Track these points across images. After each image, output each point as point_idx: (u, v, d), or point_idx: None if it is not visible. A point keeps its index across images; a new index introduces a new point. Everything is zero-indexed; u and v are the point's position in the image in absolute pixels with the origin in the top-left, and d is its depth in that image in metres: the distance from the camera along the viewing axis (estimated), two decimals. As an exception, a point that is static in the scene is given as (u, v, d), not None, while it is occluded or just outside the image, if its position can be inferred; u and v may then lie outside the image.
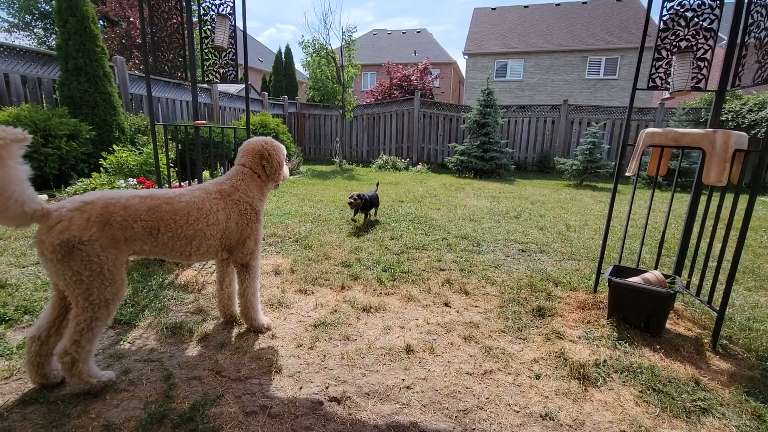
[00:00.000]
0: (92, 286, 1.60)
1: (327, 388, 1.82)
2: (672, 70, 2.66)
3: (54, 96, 6.41)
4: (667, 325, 2.52)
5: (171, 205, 1.83)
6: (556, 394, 1.85)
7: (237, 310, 2.36)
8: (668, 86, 2.70)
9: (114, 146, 6.14)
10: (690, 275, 2.78)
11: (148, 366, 1.92)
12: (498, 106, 11.08)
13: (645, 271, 2.62)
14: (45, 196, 5.11)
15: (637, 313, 2.43)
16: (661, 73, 2.76)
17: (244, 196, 2.11)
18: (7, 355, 1.93)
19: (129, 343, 2.11)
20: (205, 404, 1.66)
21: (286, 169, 2.33)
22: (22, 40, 20.35)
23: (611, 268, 2.70)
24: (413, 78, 19.27)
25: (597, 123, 10.72)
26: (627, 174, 2.82)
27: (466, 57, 23.07)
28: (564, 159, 10.38)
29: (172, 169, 5.92)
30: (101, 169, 5.96)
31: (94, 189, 5.33)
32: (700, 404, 1.80)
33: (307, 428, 1.57)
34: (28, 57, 6.21)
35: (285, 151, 2.33)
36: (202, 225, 1.92)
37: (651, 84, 2.79)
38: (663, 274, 2.51)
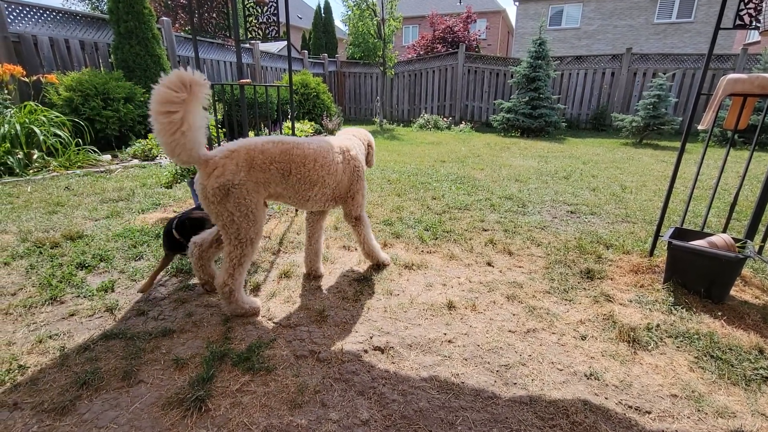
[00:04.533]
0: (241, 226, 1.84)
1: (371, 338, 1.90)
2: (765, 4, 2.28)
3: (109, 60, 6.72)
4: (732, 292, 2.35)
5: (301, 149, 2.00)
6: (603, 356, 1.81)
7: (321, 267, 2.53)
8: (759, 25, 2.34)
9: (166, 108, 6.41)
10: (764, 240, 2.54)
11: (208, 311, 2.09)
12: (551, 57, 10.24)
13: (711, 235, 2.42)
14: (109, 156, 5.51)
15: (698, 278, 2.27)
16: (751, 8, 2.38)
17: (356, 156, 2.33)
18: (90, 296, 2.17)
19: (190, 290, 2.29)
20: (259, 346, 1.80)
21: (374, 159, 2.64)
22: (77, 5, 21.21)
23: (672, 230, 2.51)
24: (457, 29, 18.13)
25: (664, 74, 9.63)
26: (699, 127, 2.54)
27: (517, 3, 21.21)
28: (622, 115, 9.53)
29: (220, 130, 6.12)
30: (156, 130, 6.28)
31: (150, 149, 5.66)
32: (763, 373, 1.69)
33: (353, 372, 1.67)
34: (84, 22, 6.48)
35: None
36: (324, 172, 2.09)
37: (738, 22, 2.43)
38: (733, 238, 2.31)
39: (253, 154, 1.85)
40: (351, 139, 2.42)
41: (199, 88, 1.64)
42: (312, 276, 2.50)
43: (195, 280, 2.39)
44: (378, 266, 2.62)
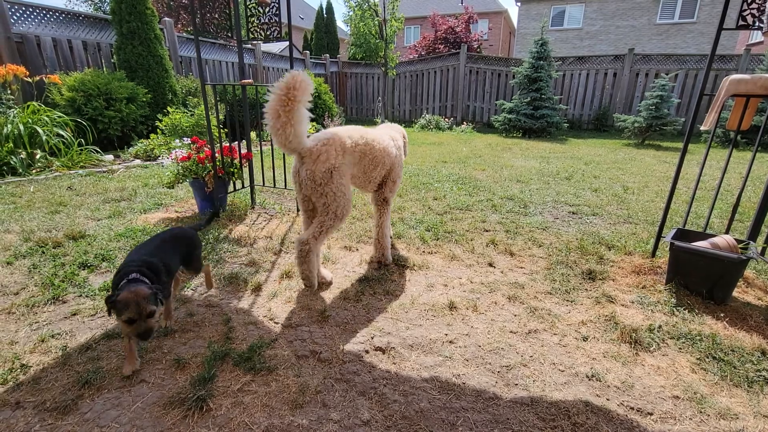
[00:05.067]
0: (339, 202, 2.14)
1: (372, 338, 1.90)
2: (769, 4, 2.27)
3: (112, 60, 6.74)
4: (735, 294, 2.34)
5: (372, 136, 2.35)
6: (605, 357, 1.81)
7: (389, 255, 2.72)
8: (762, 25, 2.33)
9: (168, 108, 6.43)
10: (767, 241, 2.53)
11: (209, 311, 2.09)
12: (552, 58, 10.23)
13: (713, 236, 2.41)
14: (111, 157, 5.52)
15: (700, 279, 2.26)
16: (754, 9, 2.37)
17: (400, 146, 2.70)
18: (92, 295, 2.18)
19: (192, 290, 2.30)
20: (261, 346, 1.80)
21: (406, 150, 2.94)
22: (79, 6, 21.29)
23: (674, 231, 2.51)
24: (459, 30, 18.13)
25: (667, 74, 9.61)
26: (702, 128, 2.53)
27: (519, 4, 21.20)
28: (624, 116, 9.50)
29: (222, 130, 6.13)
30: (158, 130, 6.30)
31: (152, 149, 5.67)
32: (765, 374, 1.69)
33: (354, 373, 1.67)
34: (87, 22, 6.51)
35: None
36: (383, 156, 2.42)
37: (741, 23, 2.42)
38: (735, 239, 2.30)
39: (345, 141, 2.16)
40: (392, 131, 2.78)
41: (306, 88, 1.90)
42: (377, 262, 2.69)
43: (199, 281, 2.39)
44: (379, 262, 2.68)
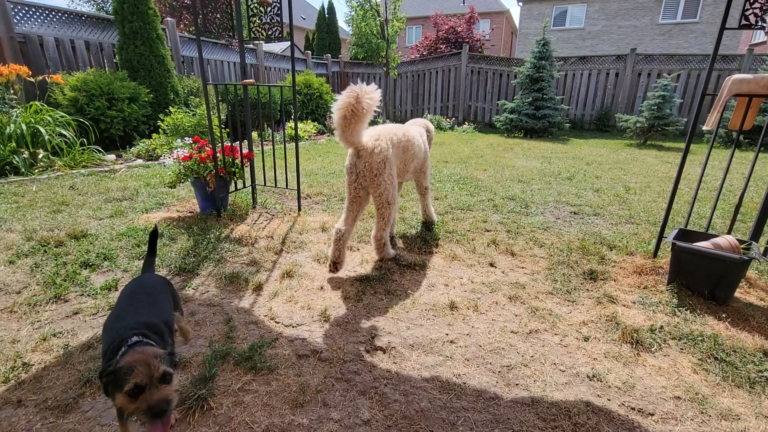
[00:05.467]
0: (389, 190, 2.48)
1: (373, 338, 1.90)
2: (772, 4, 2.26)
3: (114, 60, 6.76)
4: (737, 294, 2.33)
5: (411, 132, 2.82)
6: (606, 357, 1.80)
7: (434, 215, 3.34)
8: (764, 25, 2.32)
9: (170, 108, 6.44)
10: (769, 242, 2.52)
11: (210, 310, 2.09)
12: (554, 58, 10.21)
13: (715, 236, 2.40)
14: (113, 156, 5.54)
15: (702, 280, 2.26)
16: (756, 8, 2.36)
17: (425, 141, 3.14)
18: (93, 294, 2.18)
19: (193, 289, 2.30)
20: (261, 346, 1.80)
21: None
22: (82, 6, 21.35)
23: (676, 231, 2.50)
24: (460, 30, 18.11)
25: (669, 74, 9.58)
26: (704, 128, 2.52)
27: (521, 4, 21.18)
28: (627, 116, 9.48)
29: (223, 130, 6.15)
30: (159, 130, 6.31)
31: (154, 149, 5.69)
32: (767, 375, 1.68)
33: (354, 372, 1.67)
34: (90, 22, 6.53)
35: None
36: (417, 148, 2.85)
37: (743, 22, 2.41)
38: (738, 240, 2.29)
39: (392, 136, 2.55)
40: (419, 127, 3.20)
41: (365, 96, 2.21)
42: (427, 222, 3.32)
43: (200, 280, 2.39)
44: (428, 225, 3.31)
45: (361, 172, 2.43)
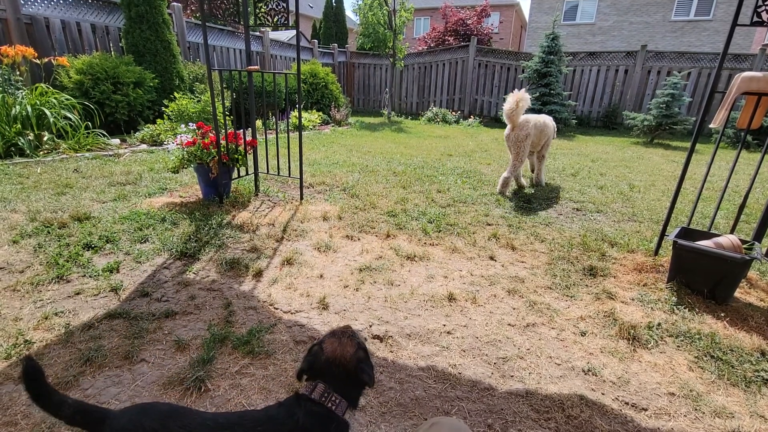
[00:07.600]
0: (523, 152, 4.02)
1: (370, 326, 1.91)
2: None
3: (120, 44, 6.73)
4: (737, 294, 2.32)
5: (543, 120, 4.31)
6: (602, 352, 1.81)
7: (543, 178, 4.70)
8: (779, 22, 2.27)
9: (175, 93, 6.42)
10: (772, 243, 2.50)
11: (210, 294, 2.11)
12: (563, 53, 10.08)
13: (717, 235, 2.39)
14: (117, 141, 5.55)
15: (702, 278, 2.25)
16: (771, 5, 2.31)
17: (552, 130, 4.54)
18: (95, 276, 2.20)
19: (194, 273, 2.32)
20: (260, 331, 1.82)
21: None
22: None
23: (678, 229, 2.49)
24: (470, 22, 17.89)
25: (679, 72, 9.45)
26: (711, 126, 2.50)
27: (531, -3, 20.85)
28: (634, 114, 9.37)
29: (228, 118, 6.12)
30: (164, 115, 6.30)
31: (158, 134, 5.69)
32: (763, 375, 1.68)
33: (351, 360, 1.68)
34: (96, 5, 6.49)
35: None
36: (549, 134, 4.42)
37: (755, 19, 2.37)
38: (740, 240, 2.28)
39: (535, 122, 4.07)
40: (550, 121, 4.49)
41: (523, 101, 3.85)
42: (535, 183, 4.60)
43: (201, 265, 2.41)
44: (536, 185, 4.57)
45: (513, 139, 3.99)
